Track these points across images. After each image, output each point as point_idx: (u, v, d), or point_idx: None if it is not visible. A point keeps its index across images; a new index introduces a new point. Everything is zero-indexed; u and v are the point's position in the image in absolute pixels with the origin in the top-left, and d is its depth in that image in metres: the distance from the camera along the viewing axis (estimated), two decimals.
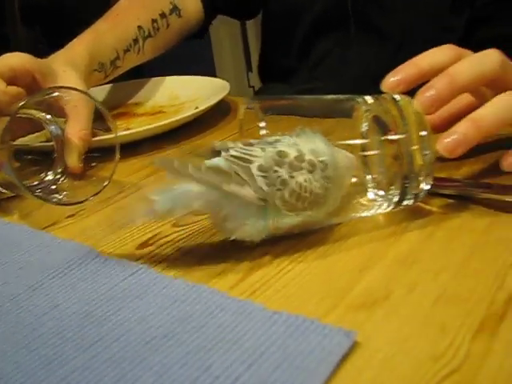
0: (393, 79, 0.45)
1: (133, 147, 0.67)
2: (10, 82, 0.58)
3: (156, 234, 0.47)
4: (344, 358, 0.32)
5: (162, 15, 0.85)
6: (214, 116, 0.75)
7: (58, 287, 0.42)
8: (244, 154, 0.41)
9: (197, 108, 0.72)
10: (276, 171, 0.40)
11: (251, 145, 0.42)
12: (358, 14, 0.86)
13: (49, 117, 0.58)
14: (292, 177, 0.40)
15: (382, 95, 0.46)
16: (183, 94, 0.83)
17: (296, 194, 0.41)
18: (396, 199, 0.44)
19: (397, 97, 0.45)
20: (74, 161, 0.58)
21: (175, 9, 0.87)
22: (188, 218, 0.47)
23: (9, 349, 0.36)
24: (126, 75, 0.91)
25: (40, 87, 0.62)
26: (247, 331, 0.34)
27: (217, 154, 0.42)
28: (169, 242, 0.46)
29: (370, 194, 0.46)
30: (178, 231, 0.48)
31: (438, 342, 0.32)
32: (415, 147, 0.43)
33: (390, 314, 0.35)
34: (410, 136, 0.43)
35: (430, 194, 0.48)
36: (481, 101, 0.47)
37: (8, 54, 0.61)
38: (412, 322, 0.34)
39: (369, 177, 0.47)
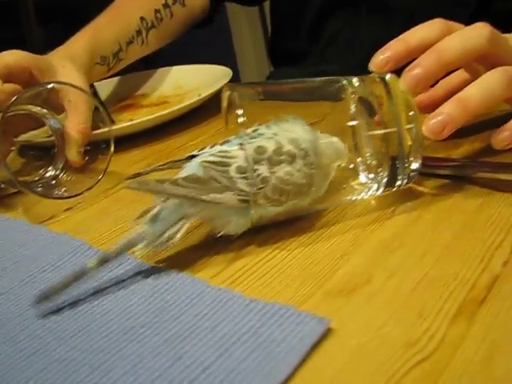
0: (382, 57, 0.44)
1: (136, 138, 0.68)
2: (6, 79, 0.59)
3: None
4: (317, 345, 0.31)
5: (165, 5, 0.84)
6: (218, 103, 0.74)
7: (48, 280, 0.43)
8: (221, 157, 0.40)
9: (199, 95, 0.72)
10: (256, 170, 0.39)
11: (229, 142, 0.42)
12: None
13: (45, 111, 0.58)
14: (273, 172, 0.40)
15: (370, 75, 0.45)
16: (187, 83, 0.83)
17: (279, 189, 0.40)
18: (385, 181, 0.43)
19: (386, 76, 0.44)
20: (73, 154, 0.59)
21: None
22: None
23: None
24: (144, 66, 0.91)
25: (38, 83, 0.62)
26: (223, 319, 0.34)
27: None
28: None
29: (362, 177, 0.46)
30: None
31: (414, 328, 0.31)
32: (402, 127, 0.42)
33: (369, 300, 0.34)
34: (396, 116, 0.42)
35: (426, 174, 0.47)
36: (474, 78, 0.45)
37: (4, 52, 0.62)
38: (389, 308, 0.33)
39: (359, 159, 0.46)
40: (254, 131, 0.42)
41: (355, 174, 0.45)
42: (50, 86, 0.57)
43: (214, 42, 2.05)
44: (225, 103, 0.44)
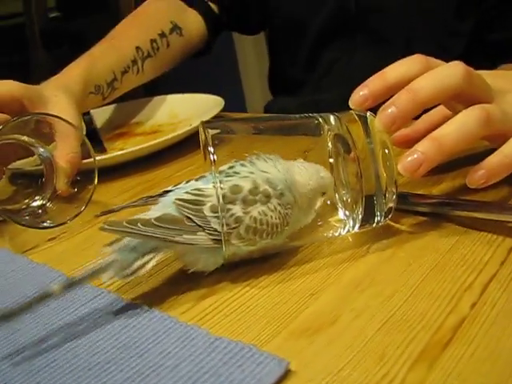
0: (361, 93, 0.44)
1: (127, 167, 0.68)
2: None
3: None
4: None
5: (162, 35, 0.85)
6: None
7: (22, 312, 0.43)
8: (195, 195, 0.40)
9: (191, 125, 0.72)
10: (229, 209, 0.39)
11: (205, 178, 0.42)
12: (362, 21, 0.85)
13: (33, 140, 0.59)
14: (247, 212, 0.40)
15: (349, 112, 0.45)
16: (182, 112, 0.84)
17: (252, 229, 0.40)
18: (361, 217, 0.43)
19: (365, 114, 0.44)
20: (61, 184, 0.59)
21: (176, 28, 0.87)
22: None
23: None
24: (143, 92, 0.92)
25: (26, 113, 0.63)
26: (187, 357, 0.34)
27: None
28: None
29: (341, 214, 0.46)
30: None
31: (374, 372, 0.31)
32: (379, 165, 0.42)
33: (332, 342, 0.34)
34: (374, 154, 0.42)
35: (404, 211, 0.47)
36: (454, 114, 0.45)
37: (5, 82, 0.63)
38: (351, 350, 0.33)
39: (337, 196, 0.46)
40: (230, 168, 0.42)
41: (334, 210, 0.45)
42: (35, 116, 0.58)
43: (221, 70, 2.07)
44: (203, 137, 0.45)
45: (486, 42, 0.85)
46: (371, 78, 0.45)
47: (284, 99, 0.98)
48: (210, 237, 0.40)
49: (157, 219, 0.39)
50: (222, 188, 0.40)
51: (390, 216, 0.44)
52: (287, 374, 0.32)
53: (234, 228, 0.39)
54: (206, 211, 0.40)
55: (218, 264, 0.42)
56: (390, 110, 0.42)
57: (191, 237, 0.39)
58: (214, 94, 0.85)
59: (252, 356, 0.33)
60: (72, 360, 0.36)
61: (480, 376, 0.30)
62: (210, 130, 0.41)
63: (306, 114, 0.45)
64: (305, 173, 0.43)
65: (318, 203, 0.44)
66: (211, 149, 0.40)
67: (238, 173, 0.41)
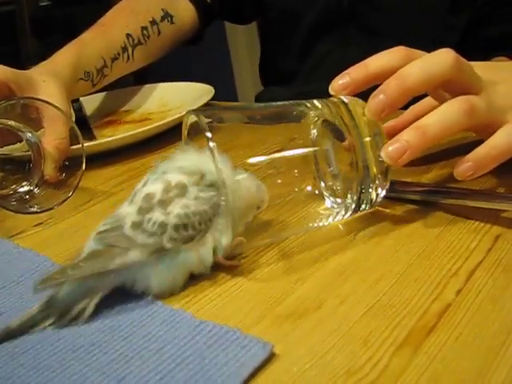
0: (340, 82, 0.44)
1: (115, 154, 0.68)
2: None
3: None
4: (260, 370, 0.31)
5: (153, 22, 0.85)
6: None
7: (7, 296, 0.43)
8: (112, 222, 0.39)
9: (180, 113, 0.72)
10: (150, 219, 0.38)
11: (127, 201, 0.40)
12: (355, 15, 0.85)
13: (21, 125, 0.59)
14: (168, 213, 0.38)
15: (330, 98, 0.45)
16: (172, 101, 0.83)
17: (182, 226, 0.38)
18: (353, 206, 0.43)
19: (345, 99, 0.44)
20: (49, 170, 0.59)
21: (167, 15, 0.87)
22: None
23: None
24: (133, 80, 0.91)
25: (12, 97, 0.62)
26: (171, 341, 0.34)
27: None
28: None
29: (327, 203, 0.45)
30: None
31: (358, 356, 0.31)
32: (367, 150, 0.42)
33: (317, 326, 0.34)
34: (361, 139, 0.42)
35: (393, 199, 0.47)
36: (441, 104, 0.45)
37: None
38: (336, 335, 0.33)
39: (323, 185, 0.46)
40: (145, 184, 0.40)
41: (320, 199, 0.45)
42: (23, 100, 0.57)
43: (212, 59, 2.06)
44: (185, 130, 0.44)
45: (479, 36, 0.85)
46: (353, 67, 0.45)
47: (275, 89, 0.97)
48: (143, 252, 0.38)
49: (84, 259, 0.38)
50: (135, 203, 0.39)
51: (377, 202, 0.44)
52: (271, 357, 0.32)
53: (162, 234, 0.38)
54: (128, 231, 0.38)
55: (185, 277, 0.40)
56: (379, 98, 0.42)
57: (124, 258, 0.37)
58: (204, 82, 0.84)
59: (236, 339, 0.33)
60: (56, 343, 0.36)
61: (464, 360, 0.30)
62: (203, 117, 0.40)
63: (295, 101, 0.45)
64: (247, 180, 0.41)
65: (251, 216, 0.42)
66: (209, 134, 0.38)
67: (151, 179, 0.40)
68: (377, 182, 0.43)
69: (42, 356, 0.35)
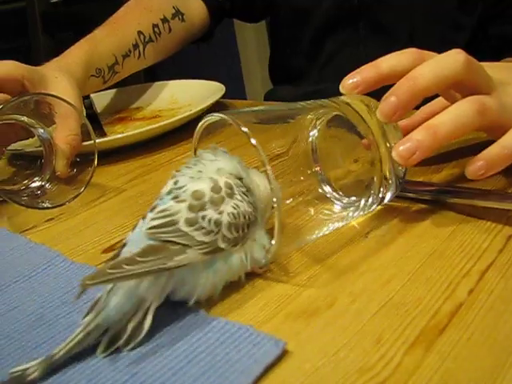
0: (351, 81, 0.44)
1: (126, 151, 0.68)
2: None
3: (123, 239, 0.47)
4: (272, 367, 0.31)
5: (164, 20, 0.85)
6: None
7: (20, 290, 0.43)
8: (163, 217, 0.37)
9: (191, 111, 0.72)
10: (204, 216, 0.36)
11: (159, 202, 0.38)
12: (365, 13, 0.85)
13: (33, 121, 0.59)
14: (221, 212, 0.37)
15: (340, 98, 0.45)
16: (182, 98, 0.84)
17: (234, 225, 0.37)
18: (366, 204, 0.43)
19: (348, 100, 0.44)
20: (60, 165, 0.59)
21: (178, 13, 0.87)
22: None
23: None
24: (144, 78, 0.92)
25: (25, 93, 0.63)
26: (184, 336, 0.34)
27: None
28: None
29: (337, 206, 0.46)
30: None
31: (370, 354, 0.31)
32: (383, 152, 0.42)
33: (329, 324, 0.34)
34: (375, 137, 0.42)
35: (404, 198, 0.47)
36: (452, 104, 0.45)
37: (5, 62, 0.62)
38: (348, 333, 0.33)
39: (328, 188, 0.46)
40: (176, 183, 0.39)
41: (328, 201, 0.45)
42: (36, 96, 0.58)
43: (222, 58, 2.06)
44: (198, 134, 0.43)
45: (489, 35, 0.85)
46: (364, 66, 0.45)
47: (284, 88, 0.98)
48: (200, 251, 0.36)
49: (139, 254, 0.35)
50: (183, 200, 0.37)
51: (387, 201, 0.44)
52: (284, 354, 0.32)
53: (217, 233, 0.37)
54: (184, 227, 0.36)
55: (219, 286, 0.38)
56: (390, 100, 0.42)
57: (182, 256, 0.35)
58: (213, 80, 0.84)
59: (249, 336, 0.33)
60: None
61: (476, 360, 0.30)
62: (232, 117, 0.38)
63: (306, 102, 0.45)
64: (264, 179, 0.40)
65: (267, 216, 0.41)
66: (245, 129, 0.36)
67: (181, 187, 0.38)
68: (391, 180, 0.43)
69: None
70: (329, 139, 0.47)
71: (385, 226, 0.44)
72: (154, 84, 0.90)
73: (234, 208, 0.37)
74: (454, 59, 0.42)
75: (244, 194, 0.38)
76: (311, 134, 0.46)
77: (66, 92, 0.64)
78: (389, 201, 0.44)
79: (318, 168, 0.47)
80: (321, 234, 0.41)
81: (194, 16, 0.91)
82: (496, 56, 0.72)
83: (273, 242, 0.38)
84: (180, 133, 0.71)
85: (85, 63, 0.72)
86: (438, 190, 0.47)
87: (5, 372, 0.34)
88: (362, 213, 0.43)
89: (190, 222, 0.36)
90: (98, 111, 0.84)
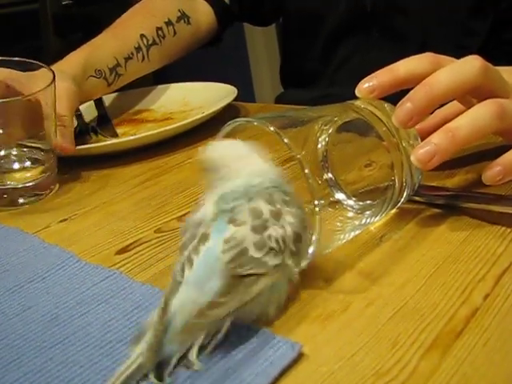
0: (367, 84, 0.44)
1: (137, 153, 0.68)
2: None
3: (137, 240, 0.48)
4: (288, 370, 0.31)
5: (168, 23, 0.85)
6: (223, 121, 0.74)
7: (34, 290, 0.43)
8: (233, 247, 0.34)
9: (203, 113, 0.72)
10: (269, 236, 0.34)
11: (211, 233, 0.35)
12: (378, 18, 0.85)
13: None
14: (282, 226, 0.35)
15: (352, 102, 0.45)
16: (193, 100, 0.84)
17: (297, 236, 0.35)
18: (382, 209, 0.43)
19: (365, 104, 0.44)
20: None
21: (183, 16, 0.87)
22: None
23: None
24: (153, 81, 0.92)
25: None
26: None
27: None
28: (148, 247, 0.47)
29: (351, 213, 0.46)
30: (159, 237, 0.48)
31: (386, 358, 0.31)
32: (403, 156, 0.42)
33: (345, 328, 0.34)
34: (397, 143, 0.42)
35: (418, 203, 0.47)
36: (468, 109, 0.45)
37: None
38: (364, 336, 0.33)
39: (341, 195, 0.46)
40: (225, 203, 0.36)
41: (343, 209, 0.45)
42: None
43: (230, 60, 2.06)
44: (223, 135, 0.41)
45: (503, 40, 0.84)
46: (380, 71, 0.45)
47: (296, 92, 0.98)
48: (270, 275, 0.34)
49: (221, 294, 0.32)
50: (244, 223, 0.34)
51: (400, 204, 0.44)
52: (300, 357, 0.32)
53: (285, 250, 0.34)
54: (256, 254, 0.33)
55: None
56: (406, 106, 0.42)
57: (258, 287, 0.33)
58: (223, 82, 0.85)
59: (265, 339, 0.33)
60: (84, 338, 0.37)
61: (493, 365, 0.30)
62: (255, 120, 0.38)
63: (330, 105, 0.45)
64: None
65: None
66: (274, 129, 0.36)
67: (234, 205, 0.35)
68: (407, 184, 0.43)
69: (70, 351, 0.36)
70: (339, 144, 0.47)
71: (399, 230, 0.44)
72: (164, 86, 0.90)
73: (294, 217, 0.35)
74: (471, 65, 0.42)
75: (286, 202, 0.36)
76: (320, 139, 0.46)
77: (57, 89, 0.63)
78: (402, 204, 0.44)
79: (329, 174, 0.47)
80: (339, 243, 0.41)
81: (200, 20, 0.91)
82: (509, 61, 0.72)
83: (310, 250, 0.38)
84: (192, 135, 0.71)
85: (82, 65, 0.73)
86: (451, 194, 0.47)
87: (18, 373, 0.34)
88: (378, 218, 0.43)
89: (259, 246, 0.34)
90: (109, 112, 0.84)
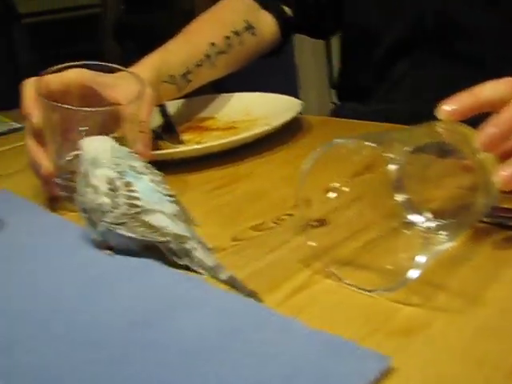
0: (448, 108, 0.45)
1: (201, 161, 0.70)
2: (63, 95, 0.61)
3: (214, 247, 0.49)
4: (378, 382, 0.32)
5: (236, 33, 0.87)
6: (285, 133, 0.76)
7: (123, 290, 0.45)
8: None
9: (268, 125, 0.74)
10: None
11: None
12: (438, 37, 0.86)
13: None
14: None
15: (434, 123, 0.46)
16: (255, 111, 0.85)
17: None
18: (459, 230, 0.44)
19: (448, 125, 0.45)
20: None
21: (249, 27, 0.90)
22: None
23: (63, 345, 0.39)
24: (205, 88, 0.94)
25: (100, 97, 0.64)
26: (288, 348, 0.36)
27: None
28: (226, 255, 0.48)
29: (427, 234, 0.46)
30: (235, 245, 0.50)
31: (473, 378, 0.32)
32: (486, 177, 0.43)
33: (429, 343, 0.35)
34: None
35: (491, 224, 0.48)
36: None
37: (75, 70, 0.64)
38: (449, 354, 0.34)
39: (417, 217, 0.47)
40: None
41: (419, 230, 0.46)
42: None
43: (278, 71, 2.07)
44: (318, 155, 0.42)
45: None
46: (461, 94, 0.46)
47: (353, 105, 0.98)
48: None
49: None
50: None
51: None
52: (388, 370, 0.33)
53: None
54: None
55: None
56: (492, 131, 0.43)
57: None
58: (268, 91, 0.87)
59: (354, 351, 0.34)
60: (180, 342, 0.38)
61: None
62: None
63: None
64: None
65: None
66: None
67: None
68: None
69: (170, 354, 0.37)
70: (416, 165, 0.48)
71: (472, 251, 0.45)
72: (226, 95, 0.92)
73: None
74: None
75: None
76: (396, 159, 0.47)
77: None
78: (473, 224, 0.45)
79: (403, 195, 0.48)
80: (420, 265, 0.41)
81: (264, 31, 0.93)
82: None
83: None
84: (256, 145, 0.73)
85: (156, 70, 0.75)
86: None
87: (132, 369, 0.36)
88: (455, 238, 0.44)
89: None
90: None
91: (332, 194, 0.47)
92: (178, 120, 0.87)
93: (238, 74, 0.93)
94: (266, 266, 0.46)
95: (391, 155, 0.40)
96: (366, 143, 0.39)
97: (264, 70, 1.81)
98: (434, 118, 0.46)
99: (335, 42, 2.20)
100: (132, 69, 0.74)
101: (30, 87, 0.61)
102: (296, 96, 0.88)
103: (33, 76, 0.63)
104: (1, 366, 0.37)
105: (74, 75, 0.64)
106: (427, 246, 0.43)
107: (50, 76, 0.60)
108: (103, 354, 0.37)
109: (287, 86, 2.24)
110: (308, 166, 0.41)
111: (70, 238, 0.54)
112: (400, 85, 0.92)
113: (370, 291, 0.40)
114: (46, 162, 0.60)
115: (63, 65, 0.62)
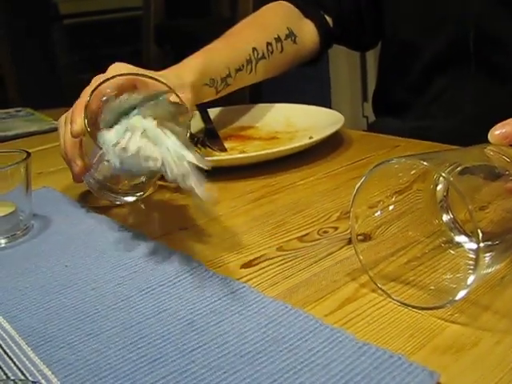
0: (500, 132, 0.46)
1: (243, 169, 0.71)
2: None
3: (261, 256, 0.50)
4: None
5: (277, 39, 0.88)
6: (326, 146, 0.77)
7: (166, 294, 0.46)
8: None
9: (311, 137, 0.75)
10: None
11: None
12: (479, 53, 0.86)
13: None
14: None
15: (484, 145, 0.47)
16: (298, 122, 0.86)
17: None
18: (506, 251, 0.44)
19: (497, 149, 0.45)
20: None
21: (291, 35, 0.91)
22: None
23: (119, 343, 0.40)
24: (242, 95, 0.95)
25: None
26: (336, 358, 0.37)
27: None
28: (272, 264, 0.49)
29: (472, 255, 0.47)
30: (281, 255, 0.51)
31: None
32: None
33: (477, 362, 0.36)
34: None
35: None
36: None
37: (117, 65, 0.67)
38: (498, 373, 0.34)
39: (462, 237, 0.47)
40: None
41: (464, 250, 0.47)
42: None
43: (311, 81, 2.08)
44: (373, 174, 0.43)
45: None
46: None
47: (390, 121, 0.99)
48: None
49: None
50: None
51: None
52: None
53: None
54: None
55: None
56: None
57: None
58: (301, 101, 0.88)
59: (401, 365, 0.35)
60: (223, 345, 0.39)
61: None
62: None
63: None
64: None
65: None
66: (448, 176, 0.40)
67: None
68: None
69: (211, 356, 0.38)
70: (463, 187, 0.49)
71: None
72: (266, 105, 0.93)
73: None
74: None
75: None
76: (441, 180, 0.48)
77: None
78: None
79: (449, 215, 0.49)
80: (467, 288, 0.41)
81: (305, 39, 0.95)
82: None
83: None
84: (297, 156, 0.74)
85: (199, 72, 0.76)
86: None
87: (168, 370, 0.37)
88: (501, 261, 0.44)
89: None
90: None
91: (377, 210, 0.48)
92: (219, 127, 0.88)
93: (271, 80, 0.94)
94: (312, 276, 0.47)
95: (441, 174, 0.41)
96: (422, 162, 0.40)
97: (298, 79, 1.82)
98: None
99: (371, 55, 2.21)
100: (175, 68, 0.75)
101: (84, 95, 0.63)
102: (328, 107, 0.89)
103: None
104: (64, 361, 0.39)
105: (124, 78, 0.65)
106: (473, 267, 0.44)
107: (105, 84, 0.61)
108: (143, 352, 0.39)
109: (319, 96, 2.25)
110: (363, 182, 0.42)
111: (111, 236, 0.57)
112: (438, 100, 0.92)
113: (416, 308, 0.41)
114: (79, 161, 0.62)
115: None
